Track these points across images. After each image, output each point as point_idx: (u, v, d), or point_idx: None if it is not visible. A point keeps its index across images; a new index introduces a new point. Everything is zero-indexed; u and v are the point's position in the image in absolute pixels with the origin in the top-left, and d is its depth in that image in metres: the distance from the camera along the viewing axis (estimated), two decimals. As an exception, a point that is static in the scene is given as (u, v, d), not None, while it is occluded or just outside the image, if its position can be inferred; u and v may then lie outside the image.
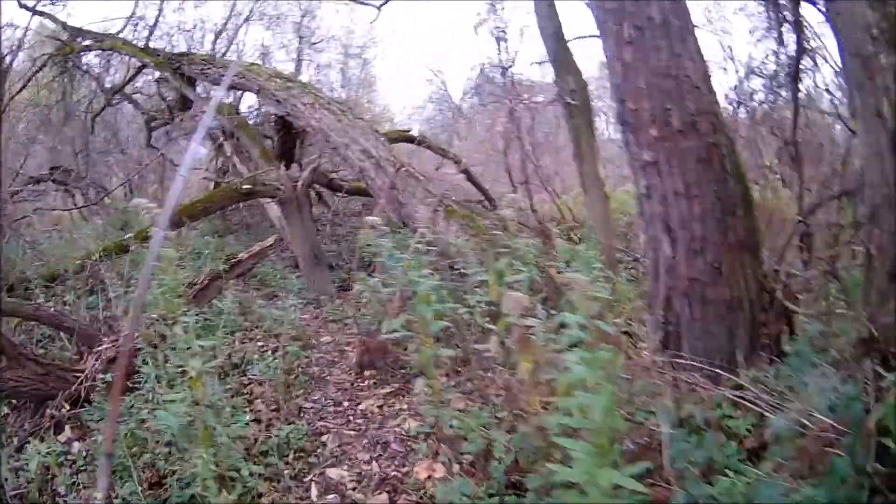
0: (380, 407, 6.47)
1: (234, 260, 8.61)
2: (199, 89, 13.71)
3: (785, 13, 9.51)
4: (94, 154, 17.79)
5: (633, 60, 5.64)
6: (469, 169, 11.74)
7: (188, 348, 4.77)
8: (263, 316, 9.16)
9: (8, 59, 15.96)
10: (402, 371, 7.23)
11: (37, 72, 16.40)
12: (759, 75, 10.66)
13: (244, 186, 10.33)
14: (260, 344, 8.08)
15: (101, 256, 8.87)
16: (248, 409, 6.12)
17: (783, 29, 10.14)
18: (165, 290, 5.01)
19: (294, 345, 7.84)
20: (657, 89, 5.53)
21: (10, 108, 16.39)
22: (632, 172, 6.10)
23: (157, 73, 14.34)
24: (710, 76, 5.90)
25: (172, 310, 4.87)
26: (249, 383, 6.85)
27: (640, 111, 5.62)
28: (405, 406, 6.44)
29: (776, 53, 10.30)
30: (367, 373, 7.40)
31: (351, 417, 6.33)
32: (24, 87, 16.36)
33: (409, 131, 14.44)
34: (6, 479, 5.27)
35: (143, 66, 14.59)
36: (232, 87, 11.87)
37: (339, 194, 14.43)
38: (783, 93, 10.24)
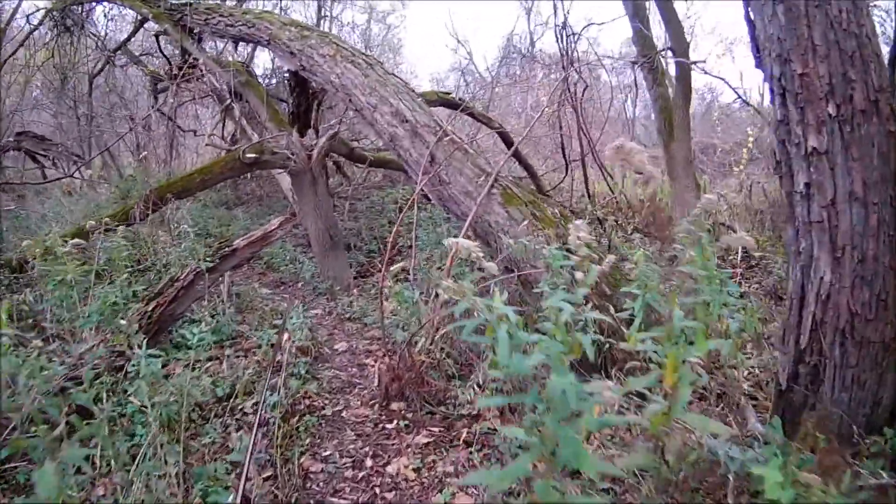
0: (416, 470, 4.56)
1: (226, 249, 6.66)
2: (207, 46, 11.82)
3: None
4: (99, 119, 16.20)
5: (806, 4, 3.73)
6: (514, 142, 9.76)
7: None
8: (266, 313, 7.40)
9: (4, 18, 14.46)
10: (443, 409, 5.34)
11: (33, 30, 14.93)
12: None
13: (248, 155, 8.43)
14: (257, 358, 6.17)
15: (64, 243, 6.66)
16: (231, 482, 4.19)
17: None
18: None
19: (301, 362, 5.97)
20: (837, 50, 3.73)
21: (5, 71, 14.92)
22: (781, 161, 4.21)
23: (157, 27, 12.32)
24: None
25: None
26: (238, 429, 4.92)
27: (811, 78, 3.80)
28: (450, 468, 4.54)
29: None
30: (394, 405, 5.50)
31: (377, 489, 4.40)
32: (20, 46, 14.86)
33: (449, 93, 12.11)
34: None
35: (144, 19, 12.58)
36: (239, 39, 9.86)
37: (361, 166, 12.41)
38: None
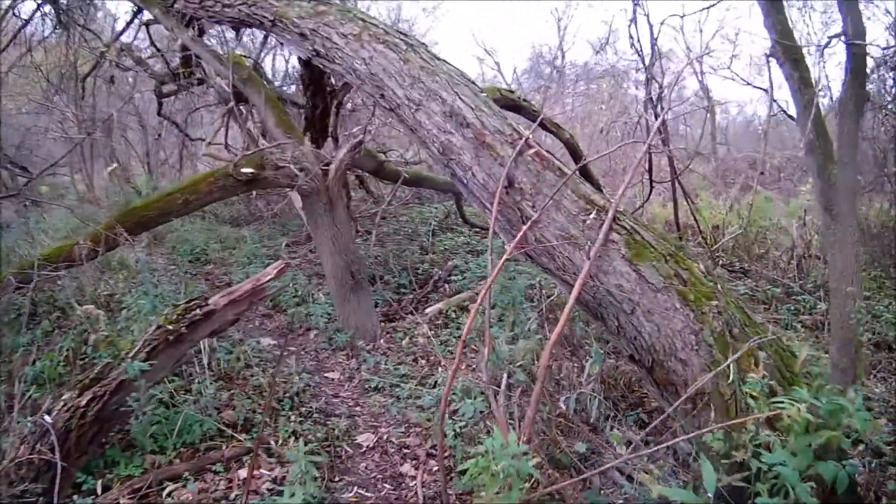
0: None
1: (197, 311, 4.32)
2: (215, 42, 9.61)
3: None
4: (100, 126, 14.05)
5: None
6: (585, 158, 7.51)
7: None
8: (264, 389, 5.20)
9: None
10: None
11: (23, 26, 12.56)
12: None
13: (244, 170, 6.12)
14: (244, 476, 3.96)
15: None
16: None
17: None
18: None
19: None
20: None
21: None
22: None
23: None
24: None
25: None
26: None
27: None
28: None
29: None
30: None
31: None
32: (8, 44, 12.59)
33: (513, 91, 9.42)
34: None
35: (139, 9, 10.29)
36: (239, 24, 7.42)
37: (388, 182, 10.10)
38: None
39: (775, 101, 14.59)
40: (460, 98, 4.22)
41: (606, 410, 4.73)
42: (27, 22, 12.59)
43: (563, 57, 24.47)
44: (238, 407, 4.89)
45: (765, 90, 17.98)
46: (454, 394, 5.14)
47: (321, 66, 5.60)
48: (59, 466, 3.48)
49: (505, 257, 3.49)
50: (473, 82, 4.55)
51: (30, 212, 11.07)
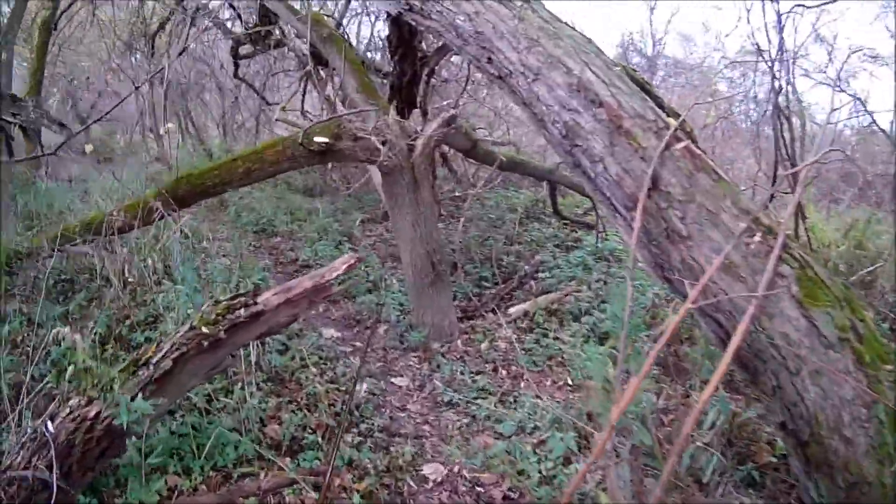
0: None
1: (241, 312, 3.44)
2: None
3: None
4: (147, 79, 13.73)
5: None
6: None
7: None
8: (321, 396, 4.45)
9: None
10: None
11: None
12: None
13: (317, 139, 5.30)
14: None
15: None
16: None
17: None
18: None
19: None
20: None
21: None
22: None
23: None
24: None
25: None
26: None
27: None
28: None
29: None
30: None
31: None
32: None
33: (636, 71, 8.40)
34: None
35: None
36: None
37: (475, 162, 9.24)
38: None
39: (867, 110, 13.38)
40: (590, 69, 3.26)
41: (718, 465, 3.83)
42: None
43: (656, 45, 23.42)
44: (285, 421, 4.10)
45: (859, 98, 16.55)
46: (540, 422, 4.37)
47: (413, 24, 4.69)
48: (55, 489, 2.77)
49: (688, 304, 2.55)
50: (602, 51, 3.61)
51: (91, 171, 10.67)
